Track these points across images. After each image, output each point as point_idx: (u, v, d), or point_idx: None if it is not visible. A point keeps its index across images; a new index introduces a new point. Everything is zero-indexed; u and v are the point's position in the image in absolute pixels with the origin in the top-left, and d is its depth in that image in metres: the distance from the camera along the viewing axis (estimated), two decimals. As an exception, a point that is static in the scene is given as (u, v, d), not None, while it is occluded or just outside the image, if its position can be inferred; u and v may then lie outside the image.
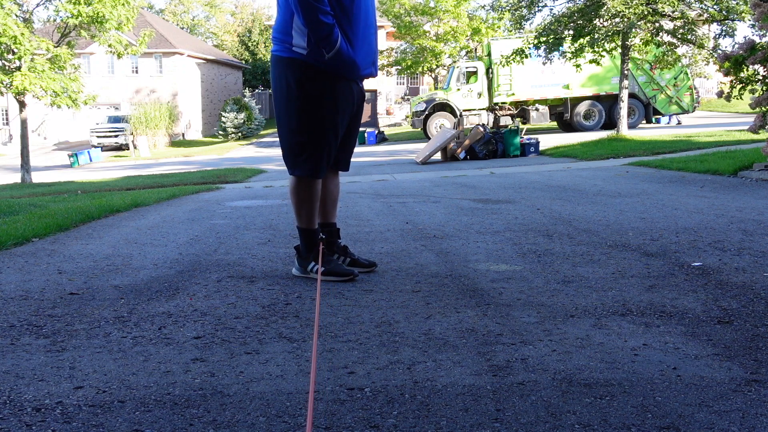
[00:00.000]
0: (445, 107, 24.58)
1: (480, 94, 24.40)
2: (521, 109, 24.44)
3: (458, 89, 24.48)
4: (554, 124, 25.66)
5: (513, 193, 6.54)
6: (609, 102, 23.26)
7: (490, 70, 24.20)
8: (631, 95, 22.29)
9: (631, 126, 20.46)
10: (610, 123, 22.44)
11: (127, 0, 17.54)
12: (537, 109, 23.83)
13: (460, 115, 23.53)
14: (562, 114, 24.06)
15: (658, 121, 24.79)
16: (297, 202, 3.02)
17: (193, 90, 39.69)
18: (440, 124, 23.91)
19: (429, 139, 21.93)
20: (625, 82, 16.86)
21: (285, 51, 2.84)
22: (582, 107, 23.65)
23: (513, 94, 24.06)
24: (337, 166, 3.15)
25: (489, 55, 24.27)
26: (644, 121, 23.53)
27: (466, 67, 25.03)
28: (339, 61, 2.77)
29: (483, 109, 24.53)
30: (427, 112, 24.58)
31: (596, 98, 23.58)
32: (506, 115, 24.48)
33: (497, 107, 24.48)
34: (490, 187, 7.38)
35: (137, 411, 1.65)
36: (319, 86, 2.83)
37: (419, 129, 25.10)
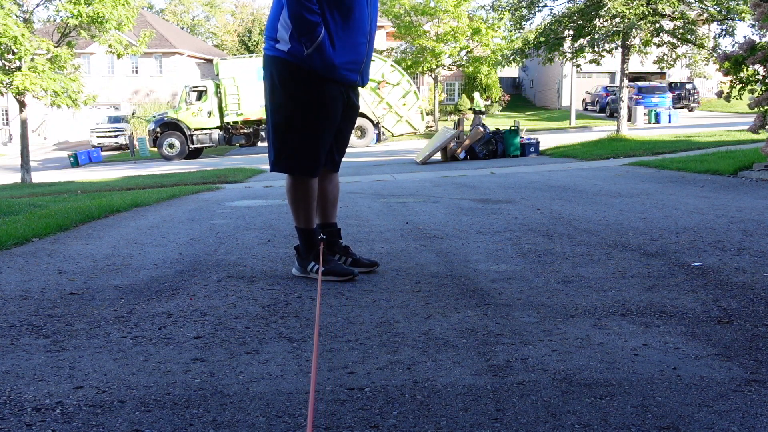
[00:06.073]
0: (176, 126, 25.01)
1: (210, 113, 24.76)
2: (253, 129, 24.93)
3: (188, 108, 24.82)
4: (552, 125, 25.68)
5: (513, 193, 6.54)
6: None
7: (219, 90, 24.47)
8: (362, 115, 23.18)
9: (363, 144, 21.11)
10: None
11: (127, 0, 17.55)
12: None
13: (191, 135, 24.37)
14: None
15: (658, 121, 24.79)
16: (293, 202, 3.02)
17: (193, 90, 39.63)
18: (170, 143, 24.68)
19: (166, 156, 23.69)
20: (625, 82, 16.86)
21: (271, 49, 2.87)
22: None
23: (242, 114, 24.51)
24: (326, 166, 3.15)
25: (218, 74, 24.56)
26: (375, 140, 24.21)
27: (194, 87, 25.42)
28: (318, 59, 2.77)
29: (215, 128, 25.01)
30: (158, 131, 25.08)
31: None
32: (240, 134, 25.04)
33: (230, 126, 24.95)
34: (490, 187, 7.38)
35: (137, 411, 1.65)
36: (303, 86, 2.83)
37: (152, 148, 25.83)
